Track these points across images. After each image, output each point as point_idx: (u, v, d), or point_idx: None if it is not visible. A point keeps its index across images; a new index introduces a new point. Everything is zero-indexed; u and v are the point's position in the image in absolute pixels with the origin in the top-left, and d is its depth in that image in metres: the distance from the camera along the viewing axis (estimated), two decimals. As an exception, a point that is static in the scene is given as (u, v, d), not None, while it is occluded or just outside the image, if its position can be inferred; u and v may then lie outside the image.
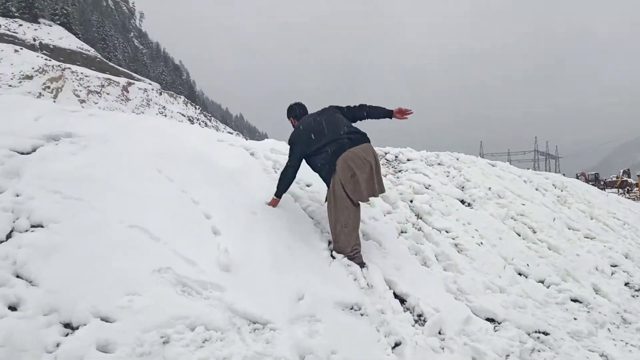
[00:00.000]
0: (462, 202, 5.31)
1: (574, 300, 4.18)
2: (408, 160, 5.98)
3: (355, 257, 3.62)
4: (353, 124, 3.95)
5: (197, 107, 64.44)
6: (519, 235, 5.08)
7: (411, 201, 4.89)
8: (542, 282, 4.34)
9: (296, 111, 4.25)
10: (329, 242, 3.73)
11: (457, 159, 6.54)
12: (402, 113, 3.95)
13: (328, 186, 3.74)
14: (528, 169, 8.93)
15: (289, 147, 3.93)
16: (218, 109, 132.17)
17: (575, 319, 3.87)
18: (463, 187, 5.68)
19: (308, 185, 4.48)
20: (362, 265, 3.59)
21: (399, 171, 5.63)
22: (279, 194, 3.91)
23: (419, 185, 5.17)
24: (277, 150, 5.08)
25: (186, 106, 57.41)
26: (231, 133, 53.33)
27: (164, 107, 50.36)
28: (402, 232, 4.31)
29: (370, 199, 3.89)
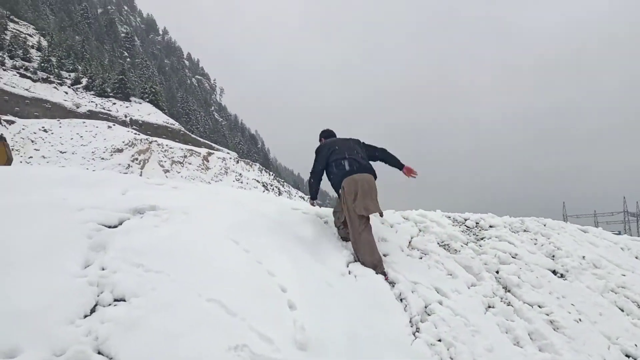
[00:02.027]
0: (554, 272, 4.88)
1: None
2: (490, 226, 5.65)
3: (379, 272, 4.05)
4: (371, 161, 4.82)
5: (271, 173, 66.50)
6: (622, 310, 4.55)
7: (497, 272, 4.56)
8: (654, 365, 3.81)
9: (325, 134, 5.28)
10: (410, 319, 3.49)
11: (545, 225, 6.11)
12: (409, 171, 4.85)
13: (337, 192, 4.65)
14: (619, 232, 8.18)
15: (314, 155, 4.86)
16: (290, 175, 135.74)
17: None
18: (554, 256, 5.24)
19: (385, 255, 4.31)
20: (385, 275, 4.05)
21: (481, 239, 5.31)
22: (314, 196, 5.12)
23: (505, 255, 4.82)
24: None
25: (261, 173, 59.34)
26: (303, 198, 54.19)
27: (240, 174, 52.30)
28: (489, 306, 3.98)
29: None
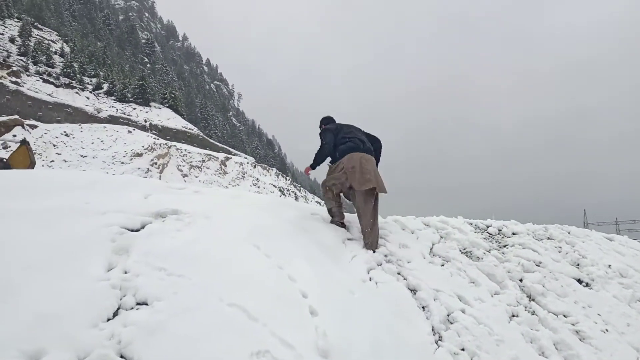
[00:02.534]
0: (579, 281, 4.77)
1: None
2: (513, 234, 5.55)
3: (336, 215, 4.96)
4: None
5: (288, 178, 66.63)
6: (651, 321, 4.42)
7: (521, 280, 4.47)
8: (685, 378, 3.68)
9: (326, 120, 5.55)
10: (433, 328, 3.43)
11: (569, 233, 5.99)
12: None
13: (332, 162, 5.08)
14: (645, 240, 7.96)
15: (320, 138, 5.16)
16: (307, 180, 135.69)
17: None
18: (578, 265, 5.13)
19: (409, 262, 4.26)
20: (342, 225, 4.91)
21: (504, 246, 5.22)
22: (314, 166, 5.21)
23: (529, 263, 4.73)
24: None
25: (277, 177, 59.49)
26: (319, 203, 54.16)
27: (257, 179, 52.46)
28: (513, 315, 3.90)
29: (475, 278, 4.31)
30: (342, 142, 4.95)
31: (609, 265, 5.22)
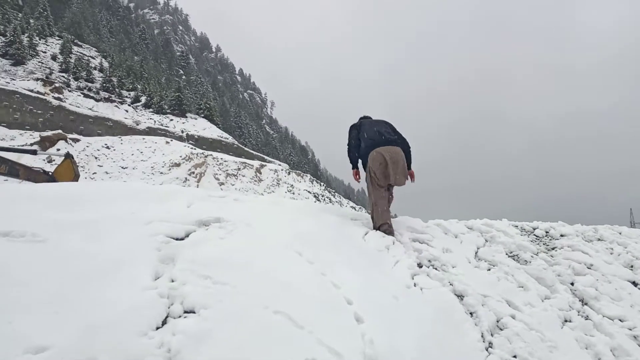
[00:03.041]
0: (634, 284, 4.55)
1: None
2: (561, 235, 5.35)
3: (385, 230, 4.72)
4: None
5: (322, 184, 66.52)
6: None
7: (572, 284, 4.30)
8: None
9: (361, 118, 5.62)
10: (482, 334, 3.32)
11: (620, 233, 5.74)
12: (411, 176, 5.16)
13: (364, 166, 5.14)
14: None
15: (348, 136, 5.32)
16: (341, 185, 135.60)
17: None
18: (632, 267, 4.89)
19: (454, 267, 4.16)
20: (392, 234, 4.69)
21: (552, 249, 5.03)
22: (353, 166, 5.34)
23: (580, 265, 4.54)
24: (414, 229, 4.87)
25: (312, 183, 59.43)
26: (354, 208, 53.92)
27: (292, 185, 52.59)
28: (565, 320, 3.74)
29: (524, 281, 4.16)
30: (364, 139, 5.11)
31: (666, 267, 4.97)
